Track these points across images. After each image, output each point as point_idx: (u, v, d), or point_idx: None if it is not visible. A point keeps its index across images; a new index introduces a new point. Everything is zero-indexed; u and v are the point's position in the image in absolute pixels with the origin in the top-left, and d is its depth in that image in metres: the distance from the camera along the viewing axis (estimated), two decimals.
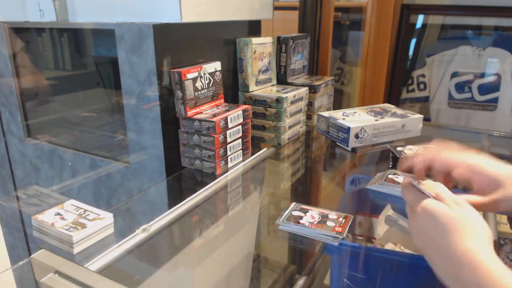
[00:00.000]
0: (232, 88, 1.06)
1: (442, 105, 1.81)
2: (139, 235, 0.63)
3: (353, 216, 0.68)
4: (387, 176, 0.83)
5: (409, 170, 0.58)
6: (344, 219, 0.66)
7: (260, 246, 0.85)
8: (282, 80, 1.18)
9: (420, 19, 1.79)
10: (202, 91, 0.88)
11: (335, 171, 1.04)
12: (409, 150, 0.93)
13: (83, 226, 0.62)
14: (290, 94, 1.01)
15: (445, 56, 1.77)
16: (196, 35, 0.91)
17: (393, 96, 1.86)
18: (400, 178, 0.81)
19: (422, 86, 1.83)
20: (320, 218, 0.66)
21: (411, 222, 0.50)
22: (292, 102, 1.03)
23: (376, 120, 0.99)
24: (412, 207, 0.49)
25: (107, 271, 0.56)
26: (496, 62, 1.68)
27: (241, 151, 0.92)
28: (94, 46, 1.19)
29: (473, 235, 0.42)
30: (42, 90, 1.22)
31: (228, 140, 0.87)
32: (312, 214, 0.68)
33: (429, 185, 0.50)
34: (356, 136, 0.96)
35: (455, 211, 0.45)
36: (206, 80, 0.89)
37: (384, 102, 1.17)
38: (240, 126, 0.90)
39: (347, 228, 0.64)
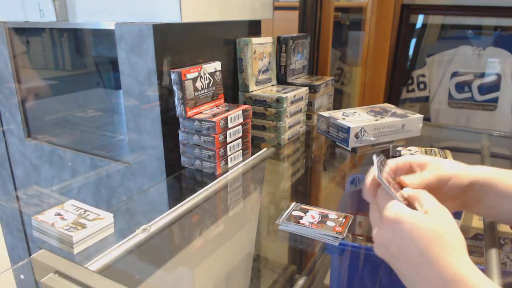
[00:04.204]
0: (232, 88, 1.06)
1: (442, 105, 1.81)
2: (139, 235, 0.63)
3: (353, 216, 0.68)
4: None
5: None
6: (344, 219, 0.66)
7: (260, 246, 0.85)
8: (282, 80, 1.18)
9: (420, 19, 1.79)
10: (202, 91, 0.88)
11: (335, 171, 1.04)
12: (409, 151, 0.93)
13: (83, 226, 0.62)
14: (290, 94, 1.01)
15: (445, 56, 1.77)
16: (196, 35, 0.91)
17: (393, 96, 1.86)
18: None
19: (422, 86, 1.83)
20: (320, 218, 0.66)
21: (379, 230, 0.46)
22: (292, 102, 1.03)
23: (376, 120, 0.99)
24: (383, 212, 0.45)
25: (107, 271, 0.56)
26: (496, 62, 1.68)
27: (241, 151, 0.92)
28: (94, 46, 1.19)
29: (451, 247, 0.40)
30: (42, 90, 1.22)
31: (228, 140, 0.87)
32: (312, 214, 0.68)
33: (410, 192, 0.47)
34: (356, 136, 0.96)
35: (432, 221, 0.41)
36: (206, 80, 0.89)
37: (384, 102, 1.17)
38: (240, 126, 0.90)
39: (347, 228, 0.64)
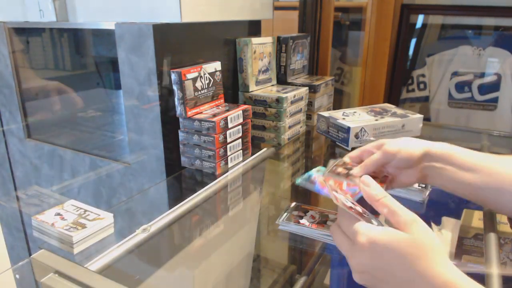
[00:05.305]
0: (232, 88, 1.06)
1: (442, 105, 1.81)
2: (139, 235, 0.63)
3: None
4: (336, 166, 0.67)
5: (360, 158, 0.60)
6: None
7: (260, 246, 0.85)
8: (282, 80, 1.18)
9: (420, 19, 1.79)
10: (202, 91, 0.88)
11: None
12: None
13: (83, 226, 0.62)
14: (290, 94, 1.01)
15: (445, 56, 1.77)
16: (196, 35, 0.91)
17: (393, 96, 1.86)
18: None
19: (422, 86, 1.83)
20: (320, 218, 0.66)
21: (356, 258, 0.43)
22: (292, 102, 1.03)
23: (376, 120, 0.99)
24: (354, 238, 0.44)
25: (107, 271, 0.56)
26: (496, 62, 1.68)
27: (241, 151, 0.92)
28: (94, 46, 1.19)
29: (434, 256, 0.40)
30: (42, 90, 1.22)
31: (228, 140, 0.87)
32: (312, 214, 0.68)
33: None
34: (356, 136, 0.96)
35: (409, 234, 0.41)
36: (206, 80, 0.89)
37: (384, 102, 1.17)
38: (240, 126, 0.90)
39: None
